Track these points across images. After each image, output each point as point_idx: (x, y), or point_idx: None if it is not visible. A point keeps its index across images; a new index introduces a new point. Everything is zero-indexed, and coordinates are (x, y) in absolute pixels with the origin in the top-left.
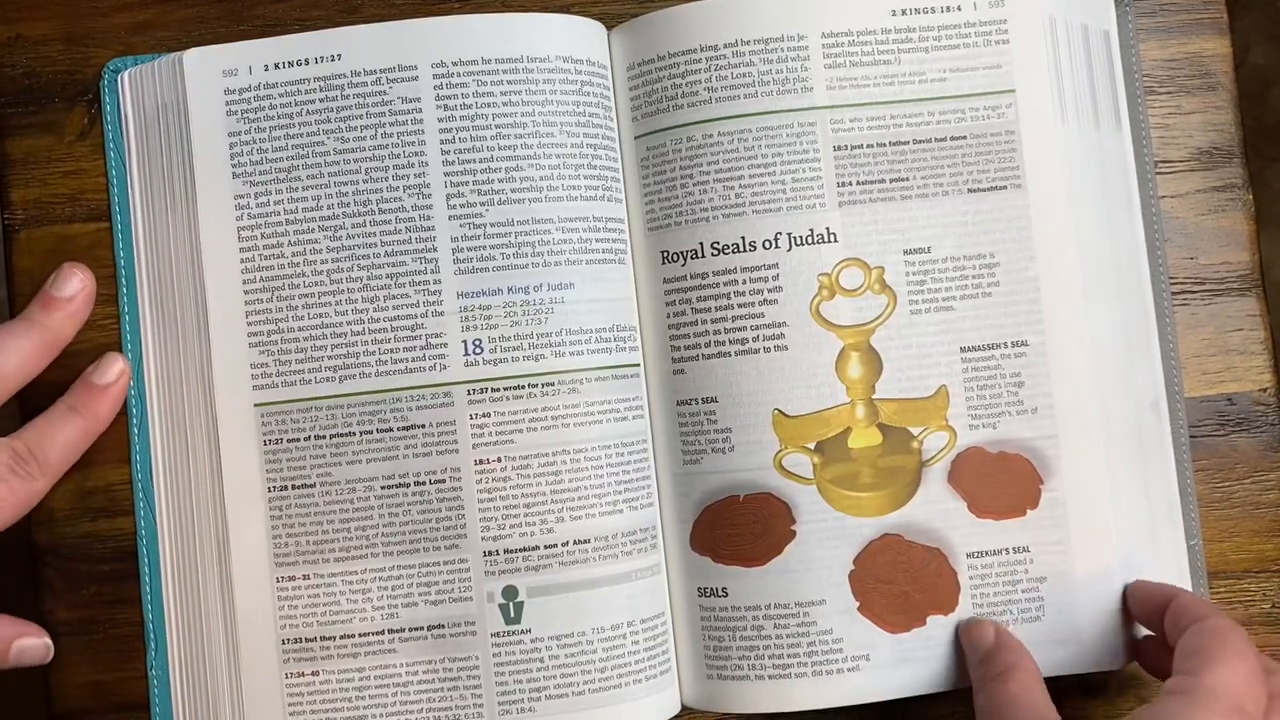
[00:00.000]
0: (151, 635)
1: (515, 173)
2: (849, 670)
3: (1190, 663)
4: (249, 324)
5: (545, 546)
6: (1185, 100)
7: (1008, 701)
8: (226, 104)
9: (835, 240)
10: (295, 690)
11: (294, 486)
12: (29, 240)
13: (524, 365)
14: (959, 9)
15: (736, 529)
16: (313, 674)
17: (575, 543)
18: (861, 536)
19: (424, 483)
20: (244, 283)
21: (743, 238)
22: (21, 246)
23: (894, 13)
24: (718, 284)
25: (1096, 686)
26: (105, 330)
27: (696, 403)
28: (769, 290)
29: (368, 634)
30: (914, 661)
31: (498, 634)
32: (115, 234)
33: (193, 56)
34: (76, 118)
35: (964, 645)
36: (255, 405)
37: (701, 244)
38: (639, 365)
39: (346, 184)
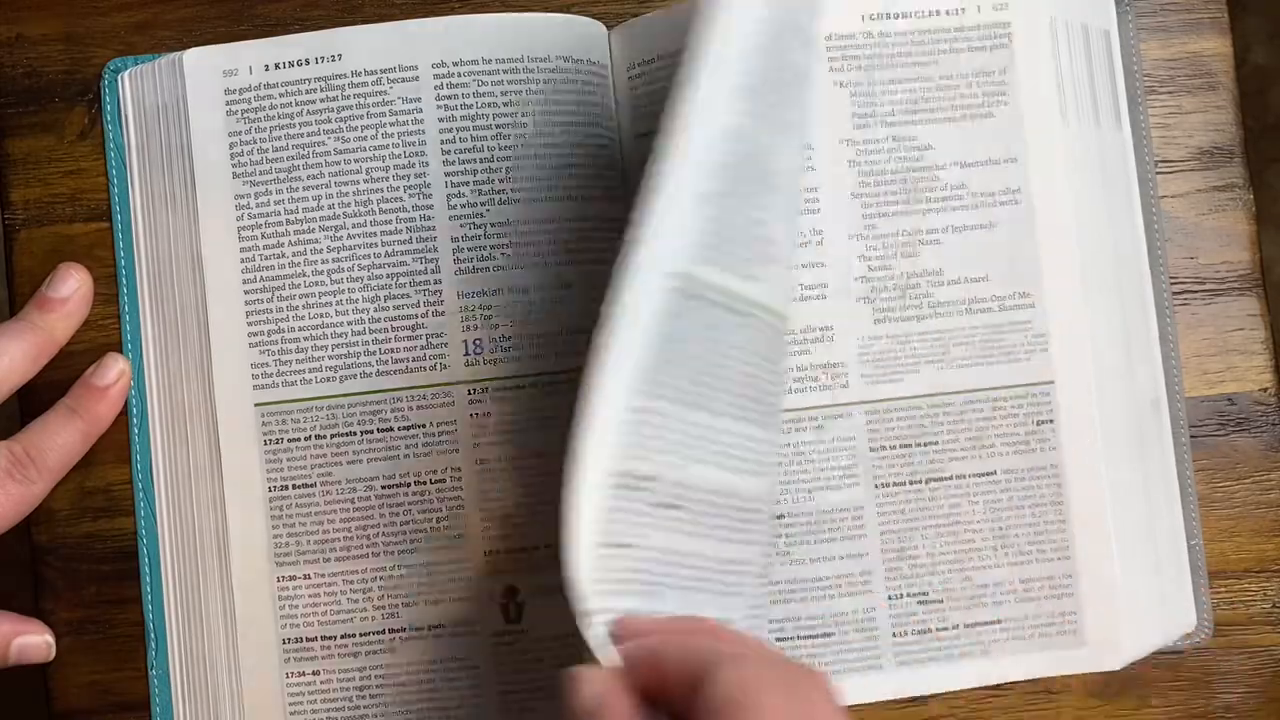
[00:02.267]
0: (151, 635)
1: (515, 173)
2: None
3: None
4: (249, 324)
5: (545, 546)
6: (1186, 100)
7: None
8: (226, 104)
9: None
10: (296, 690)
11: (294, 486)
12: (29, 240)
13: (524, 364)
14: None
15: None
16: (313, 673)
17: None
18: None
19: (424, 482)
20: (244, 283)
21: None
22: (22, 246)
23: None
24: None
25: (1097, 686)
26: (105, 330)
27: None
28: None
29: (368, 634)
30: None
31: (498, 634)
32: (115, 234)
33: (193, 56)
34: (77, 117)
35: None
36: (255, 405)
37: None
38: None
39: (347, 184)
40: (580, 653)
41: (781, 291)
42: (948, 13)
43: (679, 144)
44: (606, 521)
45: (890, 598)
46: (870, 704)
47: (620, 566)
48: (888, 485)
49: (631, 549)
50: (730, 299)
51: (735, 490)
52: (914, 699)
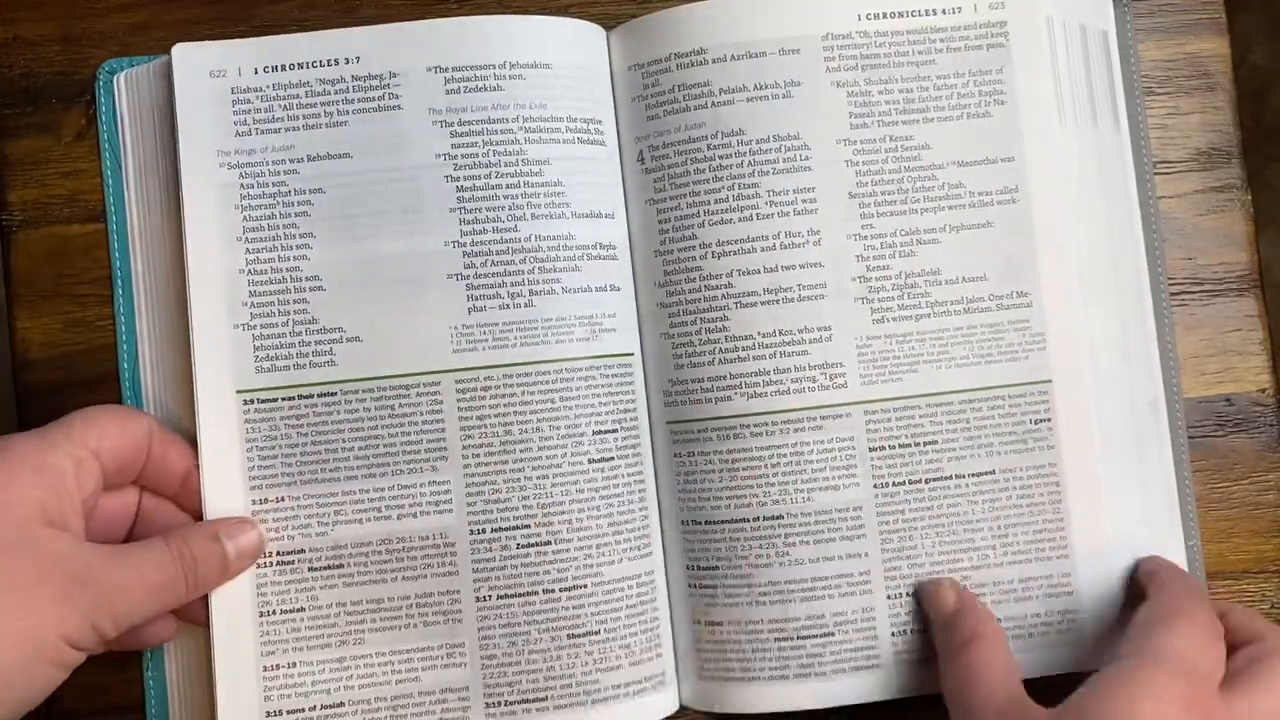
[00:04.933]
0: None
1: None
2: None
3: (1137, 629)
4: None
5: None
6: (1184, 101)
7: (968, 674)
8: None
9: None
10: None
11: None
12: (26, 241)
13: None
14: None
15: None
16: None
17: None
18: None
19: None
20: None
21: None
22: (19, 247)
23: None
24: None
25: None
26: (101, 331)
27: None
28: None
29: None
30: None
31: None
32: (110, 235)
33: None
34: (74, 119)
35: (925, 608)
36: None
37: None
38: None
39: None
40: None
41: (361, 363)
42: (944, 12)
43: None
44: (257, 596)
45: (890, 597)
46: (870, 704)
47: (296, 627)
48: (887, 485)
49: (302, 611)
50: (302, 390)
51: (408, 532)
52: (913, 699)
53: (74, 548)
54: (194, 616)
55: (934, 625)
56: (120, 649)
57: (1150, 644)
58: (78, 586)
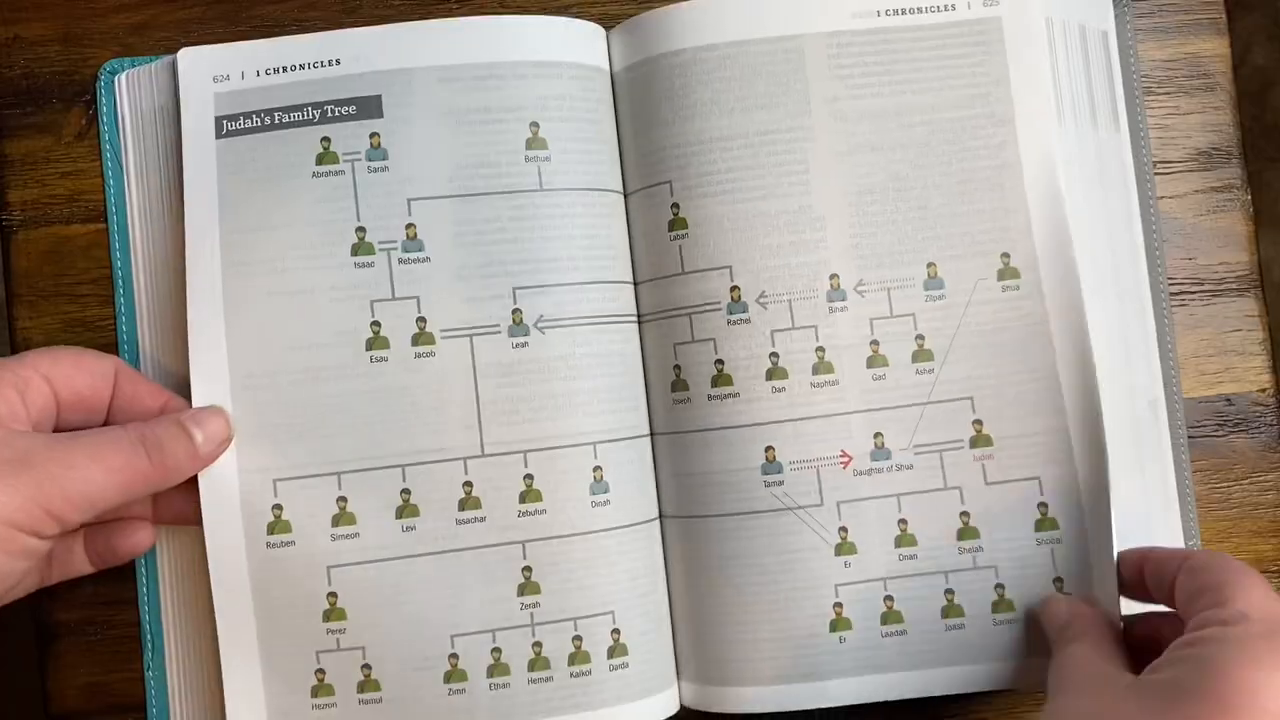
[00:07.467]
0: (148, 636)
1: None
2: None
3: (1206, 599)
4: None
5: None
6: (1184, 101)
7: (1068, 659)
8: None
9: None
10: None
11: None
12: (26, 241)
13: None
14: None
15: None
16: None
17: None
18: None
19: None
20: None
21: None
22: (19, 247)
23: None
24: None
25: None
26: (102, 332)
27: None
28: None
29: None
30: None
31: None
32: (111, 235)
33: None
34: (74, 119)
35: (1042, 624)
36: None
37: None
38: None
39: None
40: None
41: None
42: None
43: None
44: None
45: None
46: (874, 705)
47: None
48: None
49: None
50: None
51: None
52: (917, 700)
53: (8, 435)
54: (177, 515)
55: (1049, 636)
56: (101, 565)
57: (1231, 611)
58: (15, 468)
